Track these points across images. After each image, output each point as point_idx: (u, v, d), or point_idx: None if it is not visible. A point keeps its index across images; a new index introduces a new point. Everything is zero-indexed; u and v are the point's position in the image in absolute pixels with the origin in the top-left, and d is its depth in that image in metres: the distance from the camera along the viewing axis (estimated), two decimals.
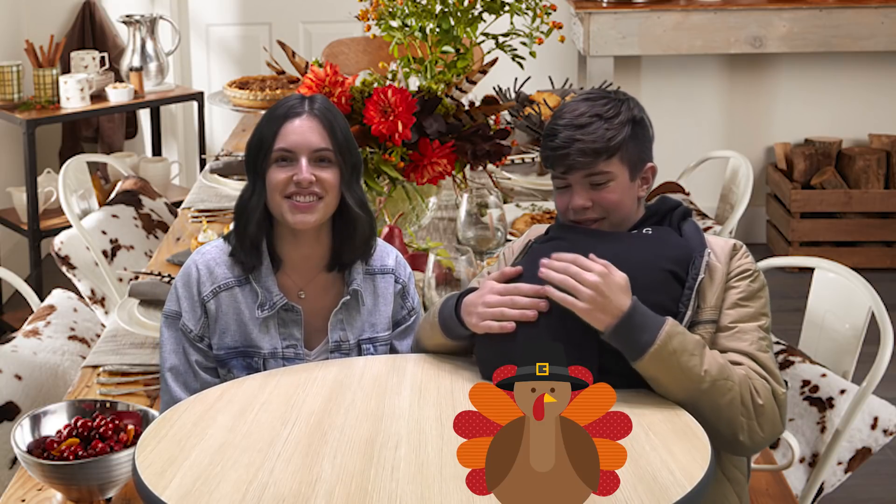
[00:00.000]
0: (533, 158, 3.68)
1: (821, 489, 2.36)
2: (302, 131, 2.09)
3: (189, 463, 1.71)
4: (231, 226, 2.18)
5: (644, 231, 2.10)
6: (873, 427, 2.36)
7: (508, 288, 1.95)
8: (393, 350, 2.23)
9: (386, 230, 2.63)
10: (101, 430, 1.94)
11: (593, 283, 1.89)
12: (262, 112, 4.08)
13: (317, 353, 2.16)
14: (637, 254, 2.03)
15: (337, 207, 2.13)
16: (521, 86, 4.18)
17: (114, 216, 3.46)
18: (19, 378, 2.42)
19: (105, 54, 4.90)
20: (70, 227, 3.40)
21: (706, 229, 3.23)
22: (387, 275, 2.23)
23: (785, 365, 2.51)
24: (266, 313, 2.12)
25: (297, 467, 1.69)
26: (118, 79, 4.97)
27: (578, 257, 1.93)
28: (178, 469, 1.69)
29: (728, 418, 1.89)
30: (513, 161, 3.65)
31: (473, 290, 2.04)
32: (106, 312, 3.30)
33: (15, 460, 2.32)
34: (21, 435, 1.94)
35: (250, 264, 2.13)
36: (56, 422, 1.99)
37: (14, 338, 2.60)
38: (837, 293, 2.59)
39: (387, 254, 2.25)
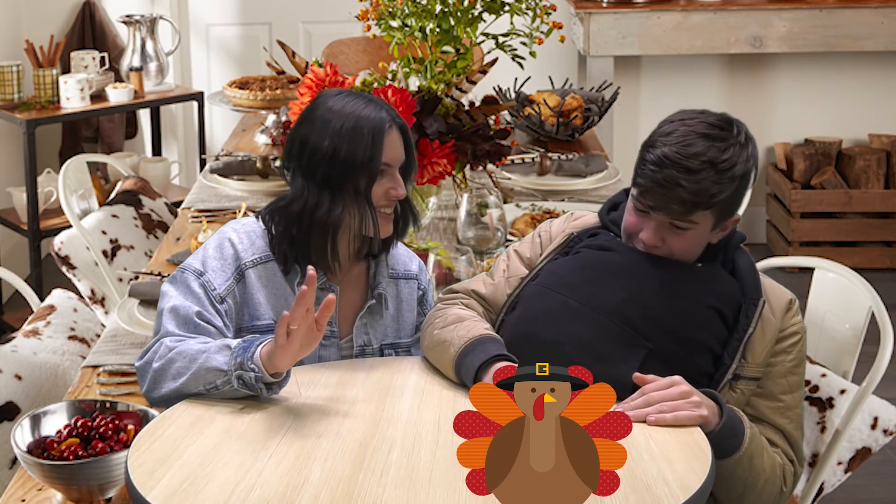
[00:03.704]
0: (533, 158, 3.68)
1: (821, 489, 2.36)
2: (396, 145, 2.09)
3: (180, 463, 1.70)
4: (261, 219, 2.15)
5: (695, 265, 2.03)
6: (873, 427, 2.36)
7: None
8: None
9: None
10: (101, 430, 1.94)
11: (681, 392, 1.82)
12: (263, 112, 4.11)
13: (343, 344, 2.16)
14: (687, 287, 1.98)
15: None
16: (521, 86, 4.18)
17: (114, 216, 3.46)
18: (19, 378, 2.42)
19: (105, 54, 4.90)
20: (70, 227, 3.40)
21: None
22: (410, 280, 2.24)
23: None
24: None
25: (286, 470, 1.68)
26: (118, 79, 4.97)
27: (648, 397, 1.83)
28: (169, 469, 1.69)
29: None
30: (513, 161, 3.65)
31: (503, 356, 1.90)
32: (106, 312, 3.30)
33: (15, 460, 2.32)
34: (21, 435, 1.94)
35: (292, 264, 2.11)
36: (56, 422, 1.99)
37: (14, 338, 2.60)
38: (837, 293, 2.58)
39: (410, 259, 2.26)
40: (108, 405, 2.03)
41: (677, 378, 1.84)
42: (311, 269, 1.85)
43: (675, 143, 1.89)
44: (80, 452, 1.90)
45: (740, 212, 3.51)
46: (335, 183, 2.06)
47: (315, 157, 2.06)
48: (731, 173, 1.90)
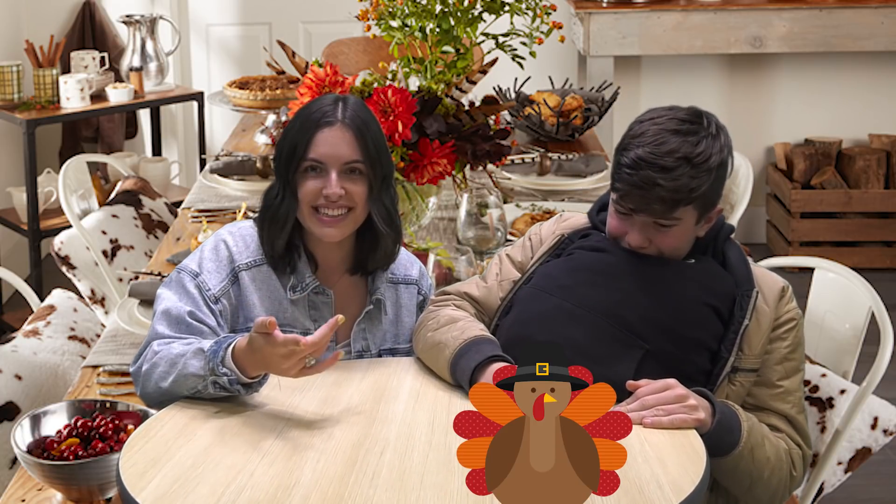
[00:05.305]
0: (533, 158, 3.68)
1: (821, 489, 2.36)
2: (334, 142, 2.04)
3: (172, 464, 1.70)
4: (256, 221, 2.15)
5: (688, 261, 2.03)
6: (873, 427, 2.36)
7: None
8: None
9: None
10: (101, 430, 1.94)
11: (678, 395, 1.82)
12: (263, 112, 4.11)
13: (340, 349, 2.15)
14: (681, 285, 1.97)
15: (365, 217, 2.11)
16: (521, 86, 4.18)
17: (114, 216, 3.46)
18: (19, 378, 2.42)
19: (105, 54, 4.90)
20: (70, 227, 3.40)
21: None
22: (410, 285, 2.22)
23: None
24: (297, 295, 2.11)
25: (278, 471, 1.68)
26: (118, 79, 4.97)
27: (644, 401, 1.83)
28: (160, 470, 1.68)
29: (770, 494, 1.91)
30: (513, 161, 3.65)
31: (499, 357, 1.91)
32: (106, 312, 3.30)
33: (15, 460, 2.31)
34: (21, 435, 1.94)
35: (283, 266, 2.11)
36: (56, 422, 1.99)
37: (14, 338, 2.60)
38: (837, 293, 2.58)
39: (410, 264, 2.24)
40: (108, 405, 2.03)
41: (671, 381, 1.83)
42: (339, 317, 1.85)
43: (648, 143, 1.89)
44: (80, 452, 1.90)
45: (742, 207, 3.56)
46: (279, 172, 2.09)
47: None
48: (706, 166, 1.89)
